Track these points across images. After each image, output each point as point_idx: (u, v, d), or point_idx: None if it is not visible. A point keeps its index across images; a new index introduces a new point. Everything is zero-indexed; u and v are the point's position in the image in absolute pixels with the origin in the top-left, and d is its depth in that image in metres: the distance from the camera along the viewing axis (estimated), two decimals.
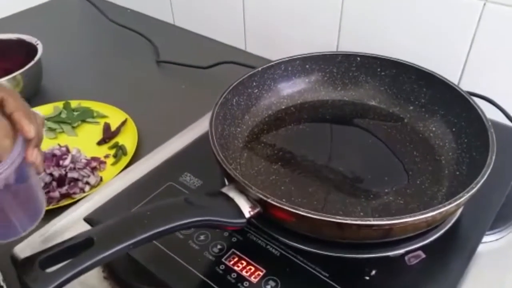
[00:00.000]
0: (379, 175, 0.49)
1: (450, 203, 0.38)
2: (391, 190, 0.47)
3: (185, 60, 0.87)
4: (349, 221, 0.37)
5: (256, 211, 0.40)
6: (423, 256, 0.42)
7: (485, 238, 0.48)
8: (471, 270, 0.45)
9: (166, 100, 0.79)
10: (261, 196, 0.39)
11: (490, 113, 0.53)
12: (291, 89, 0.60)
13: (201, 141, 0.57)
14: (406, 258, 0.42)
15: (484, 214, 0.46)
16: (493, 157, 0.42)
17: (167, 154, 0.57)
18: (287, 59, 0.59)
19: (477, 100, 0.56)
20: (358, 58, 0.59)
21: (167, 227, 0.34)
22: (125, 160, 0.65)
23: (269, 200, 0.39)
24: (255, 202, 0.40)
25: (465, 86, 0.64)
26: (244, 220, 0.39)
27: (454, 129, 0.52)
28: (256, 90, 0.58)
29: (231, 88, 0.54)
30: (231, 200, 0.40)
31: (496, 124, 0.53)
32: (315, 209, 0.44)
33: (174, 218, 0.35)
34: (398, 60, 0.57)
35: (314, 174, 0.49)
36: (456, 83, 0.65)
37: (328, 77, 0.61)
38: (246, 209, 0.40)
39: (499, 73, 0.61)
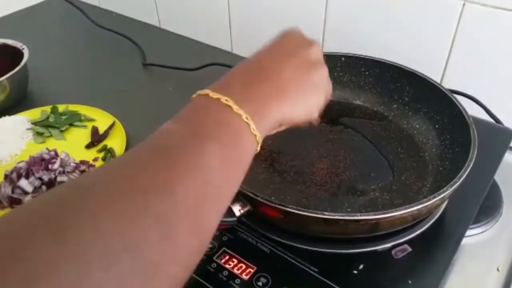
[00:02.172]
0: (365, 172, 0.50)
1: (434, 197, 0.39)
2: (377, 186, 0.48)
3: (171, 63, 0.87)
4: (336, 216, 0.38)
5: (246, 209, 0.41)
6: (410, 249, 0.43)
7: (470, 232, 0.49)
8: (456, 263, 0.47)
9: (153, 103, 0.80)
10: (250, 194, 0.40)
11: (472, 110, 0.55)
12: None
13: None
14: (393, 252, 0.43)
15: (467, 207, 0.48)
16: (475, 152, 0.43)
17: None
18: None
19: (459, 98, 0.58)
20: (343, 59, 0.60)
21: None
22: None
23: (258, 198, 0.39)
24: (245, 200, 0.41)
25: (448, 84, 0.66)
26: (234, 219, 0.40)
27: (437, 126, 0.53)
28: None
29: None
30: None
31: (478, 121, 0.55)
32: (304, 207, 0.46)
33: None
34: (381, 60, 0.58)
35: (302, 173, 0.50)
36: (438, 81, 0.67)
37: None
38: (237, 208, 0.41)
39: (480, 71, 0.62)
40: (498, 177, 0.54)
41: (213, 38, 0.95)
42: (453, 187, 0.40)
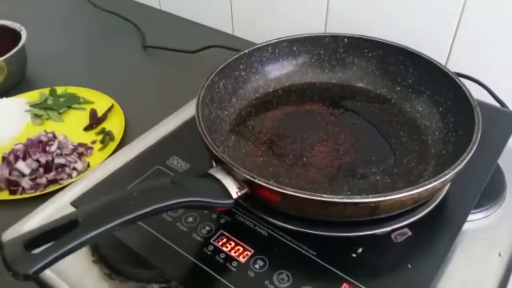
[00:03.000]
0: (366, 155, 0.49)
1: (436, 180, 0.38)
2: (378, 170, 0.48)
3: (171, 45, 0.86)
4: (335, 199, 0.37)
5: (243, 191, 0.40)
6: (410, 233, 0.42)
7: (472, 216, 0.48)
8: (457, 248, 0.46)
9: (153, 85, 0.79)
10: (248, 176, 0.39)
11: (477, 93, 0.53)
12: (278, 71, 0.60)
13: (189, 125, 0.57)
14: (392, 235, 0.42)
15: (470, 192, 0.47)
16: (479, 135, 0.42)
17: (154, 139, 0.57)
18: (274, 41, 0.58)
19: (464, 81, 0.57)
20: (345, 39, 0.59)
21: (152, 207, 0.34)
22: (112, 145, 0.64)
23: (256, 180, 0.39)
24: (242, 183, 0.40)
25: (452, 67, 0.65)
26: (231, 201, 0.39)
27: (440, 109, 0.52)
28: (243, 73, 0.58)
29: (218, 70, 0.53)
30: (218, 181, 0.40)
31: (482, 104, 0.53)
32: (302, 189, 0.45)
33: (160, 199, 0.34)
34: (385, 41, 0.57)
35: (301, 156, 0.49)
36: (443, 64, 0.66)
37: (316, 59, 0.60)
38: (234, 190, 0.40)
39: (486, 53, 0.61)
40: (502, 162, 0.53)
41: (214, 20, 0.93)
42: (455, 170, 0.39)
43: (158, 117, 0.64)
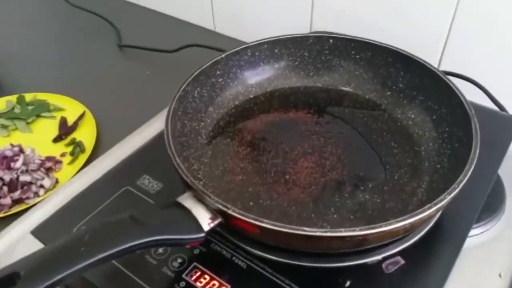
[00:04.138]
0: (354, 171, 0.45)
1: (430, 208, 0.34)
2: (367, 187, 0.43)
3: (150, 44, 0.81)
4: (318, 233, 0.33)
5: (216, 222, 0.36)
6: (402, 262, 0.38)
7: (469, 232, 0.45)
8: (453, 268, 0.42)
9: (129, 89, 0.74)
10: (220, 206, 0.35)
11: (474, 96, 0.49)
12: (259, 76, 0.55)
13: (161, 137, 0.52)
14: (383, 265, 0.38)
15: (467, 209, 0.43)
16: (477, 152, 0.38)
17: (127, 152, 0.53)
18: (253, 43, 0.54)
19: (460, 82, 0.52)
20: (331, 40, 0.54)
21: (107, 253, 0.29)
22: (82, 158, 0.60)
23: (229, 212, 0.34)
24: (215, 212, 0.36)
25: (446, 66, 0.61)
26: (202, 235, 0.35)
27: (434, 117, 0.48)
28: (221, 79, 0.53)
29: (191, 79, 0.49)
30: (187, 211, 0.36)
31: (479, 108, 0.49)
32: (284, 214, 0.41)
33: (116, 243, 0.30)
34: (373, 42, 0.52)
35: (284, 173, 0.45)
36: (436, 62, 0.61)
37: (299, 62, 0.56)
38: (205, 221, 0.36)
39: (483, 52, 0.56)
40: (501, 170, 0.49)
41: (194, 16, 0.88)
42: (452, 195, 0.35)
43: (133, 124, 0.60)
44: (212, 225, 0.36)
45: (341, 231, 0.32)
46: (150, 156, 0.50)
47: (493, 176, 0.46)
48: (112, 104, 0.70)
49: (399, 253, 0.39)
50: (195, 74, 0.49)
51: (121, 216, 0.33)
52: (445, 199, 0.35)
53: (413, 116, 0.50)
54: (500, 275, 0.43)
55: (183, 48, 0.77)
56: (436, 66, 0.62)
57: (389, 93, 0.53)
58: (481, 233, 0.47)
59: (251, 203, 0.42)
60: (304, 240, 0.34)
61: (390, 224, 0.33)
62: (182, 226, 0.34)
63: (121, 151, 0.53)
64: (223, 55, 0.52)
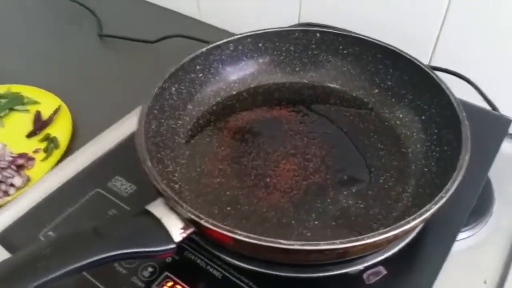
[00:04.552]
0: (338, 174, 0.43)
1: (415, 218, 0.32)
2: (351, 192, 0.41)
3: (131, 33, 0.77)
4: (296, 246, 0.30)
5: (189, 232, 0.34)
6: (384, 272, 0.36)
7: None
8: (439, 276, 0.41)
9: (108, 81, 0.71)
10: (192, 216, 0.32)
11: (464, 93, 0.47)
12: (242, 71, 0.53)
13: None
14: (364, 276, 0.36)
15: (454, 215, 0.41)
16: (466, 158, 0.36)
17: (100, 150, 0.50)
18: (236, 37, 0.51)
19: (452, 79, 0.50)
20: (318, 34, 0.52)
21: (68, 268, 0.27)
22: (56, 154, 0.57)
23: (202, 222, 0.32)
24: (186, 221, 0.34)
25: (438, 62, 0.58)
26: (172, 246, 0.33)
27: (423, 117, 0.46)
28: (201, 75, 0.50)
29: (168, 75, 0.46)
30: (157, 220, 0.33)
31: (470, 106, 0.48)
32: (265, 219, 0.39)
33: (78, 257, 0.28)
34: (362, 37, 0.50)
35: (264, 176, 0.43)
36: (427, 59, 0.59)
37: (285, 57, 0.53)
38: (177, 231, 0.33)
39: (475, 49, 0.54)
40: (490, 171, 0.47)
41: (178, 4, 0.85)
42: (438, 205, 0.33)
43: (110, 119, 0.57)
44: (184, 235, 0.33)
45: (319, 244, 0.30)
46: (124, 156, 0.48)
47: (483, 179, 0.44)
48: (89, 97, 0.67)
49: (381, 262, 0.37)
50: (172, 70, 0.47)
51: (84, 228, 0.30)
52: (431, 209, 0.33)
53: (401, 115, 0.48)
54: (485, 282, 0.42)
55: (165, 39, 0.74)
56: (427, 61, 0.60)
57: (376, 90, 0.50)
58: (468, 237, 0.45)
59: (228, 208, 0.40)
60: (281, 253, 0.32)
61: (372, 237, 0.31)
62: (150, 237, 0.32)
63: (95, 149, 0.51)
64: (204, 49, 0.49)
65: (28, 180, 0.54)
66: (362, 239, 0.31)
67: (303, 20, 0.69)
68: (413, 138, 0.46)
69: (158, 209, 0.34)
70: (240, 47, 0.52)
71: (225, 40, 0.51)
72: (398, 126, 0.47)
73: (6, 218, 0.43)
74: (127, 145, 0.49)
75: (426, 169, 0.42)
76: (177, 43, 0.73)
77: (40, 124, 0.61)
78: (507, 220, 0.46)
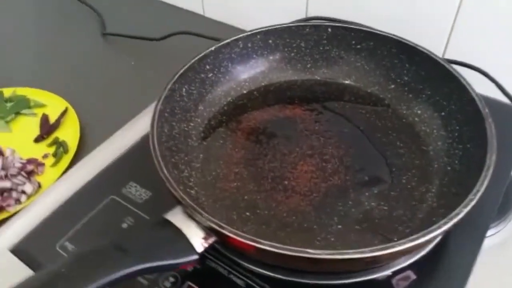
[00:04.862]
0: (358, 174, 0.42)
1: (446, 223, 0.31)
2: (372, 193, 0.40)
3: (135, 31, 0.76)
4: (323, 255, 0.29)
5: (211, 241, 0.33)
6: (414, 277, 0.35)
7: None
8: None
9: (114, 81, 0.69)
10: (213, 225, 0.31)
11: (480, 87, 0.46)
12: (252, 69, 0.51)
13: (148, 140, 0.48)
14: (393, 281, 0.35)
15: (481, 214, 0.40)
16: (493, 157, 0.35)
17: (112, 154, 0.49)
18: (245, 34, 0.50)
19: (467, 72, 0.49)
20: (329, 29, 0.50)
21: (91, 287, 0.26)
22: (66, 159, 0.56)
23: (223, 231, 0.31)
24: (208, 230, 0.33)
25: (452, 54, 0.57)
26: (195, 257, 0.32)
27: (443, 113, 0.44)
28: (211, 74, 0.49)
29: (178, 76, 0.45)
30: (177, 230, 0.32)
31: (488, 101, 0.46)
32: (285, 224, 0.38)
33: (100, 275, 0.27)
34: (375, 31, 0.49)
35: (282, 178, 0.42)
36: (441, 52, 0.58)
37: (296, 53, 0.52)
38: (198, 241, 0.32)
39: (491, 41, 0.53)
40: None
41: (182, 0, 0.83)
42: (469, 207, 0.32)
43: (119, 120, 0.56)
44: (206, 245, 0.32)
45: (348, 253, 0.29)
46: (137, 161, 0.46)
47: (507, 176, 0.43)
48: (96, 98, 0.66)
49: (410, 266, 0.36)
50: (182, 70, 0.45)
51: (103, 245, 0.29)
52: (462, 212, 0.32)
53: (419, 112, 0.47)
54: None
55: (171, 36, 0.73)
56: (441, 55, 0.58)
57: (392, 86, 0.49)
58: (493, 235, 0.44)
59: (247, 213, 0.39)
60: (308, 262, 0.31)
61: (403, 244, 0.30)
62: (172, 249, 0.31)
63: (106, 154, 0.49)
64: (213, 48, 0.48)
65: (39, 186, 0.53)
66: (393, 247, 0.30)
67: (310, 15, 0.68)
68: (434, 135, 0.44)
69: (177, 218, 0.33)
70: (249, 45, 0.50)
71: (234, 38, 0.49)
72: (417, 122, 0.46)
73: (19, 228, 0.42)
74: (139, 149, 0.48)
75: (449, 168, 0.41)
76: (183, 40, 0.72)
77: (47, 128, 0.60)
78: None
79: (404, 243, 0.30)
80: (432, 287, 0.35)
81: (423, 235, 0.30)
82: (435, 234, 0.30)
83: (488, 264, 0.41)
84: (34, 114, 0.63)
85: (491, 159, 0.35)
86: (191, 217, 0.33)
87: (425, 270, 0.36)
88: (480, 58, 0.52)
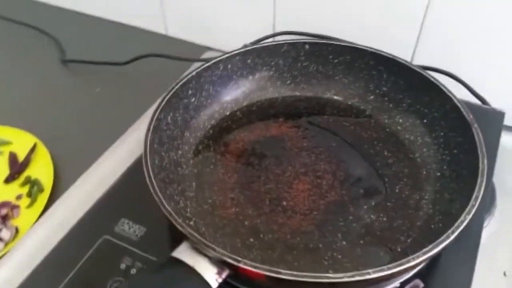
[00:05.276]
0: (353, 188, 0.42)
1: (453, 232, 0.32)
2: (370, 206, 0.41)
3: (97, 56, 0.73)
4: (345, 278, 0.29)
5: (225, 276, 0.32)
6: (422, 285, 0.36)
7: None
8: None
9: (81, 110, 0.66)
10: (229, 260, 0.31)
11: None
12: (233, 90, 0.51)
13: (134, 168, 0.47)
14: None
15: (475, 215, 0.41)
16: (485, 162, 0.36)
17: (95, 189, 0.47)
18: (224, 56, 0.49)
19: (436, 76, 0.51)
20: (307, 46, 0.51)
21: None
22: (42, 198, 0.53)
23: (240, 265, 0.30)
24: (220, 264, 0.32)
25: (420, 61, 0.59)
26: None
27: (425, 121, 0.46)
28: (193, 99, 0.48)
29: (163, 104, 0.44)
30: (190, 269, 0.31)
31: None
32: (291, 247, 0.38)
33: None
34: (352, 45, 0.50)
35: (279, 199, 0.42)
36: (409, 57, 0.60)
37: (274, 71, 0.52)
38: (212, 276, 0.31)
39: (459, 44, 0.55)
40: None
41: (143, 20, 0.81)
42: (471, 214, 0.33)
43: (92, 151, 0.54)
44: (220, 280, 0.32)
45: (369, 273, 0.30)
46: (126, 195, 0.45)
47: (491, 176, 0.45)
48: (64, 130, 0.63)
49: (416, 275, 0.37)
50: (167, 97, 0.44)
51: None
52: (466, 220, 0.33)
53: (401, 121, 0.48)
54: (504, 274, 0.43)
55: (137, 60, 0.71)
56: (409, 60, 0.60)
57: (372, 97, 0.50)
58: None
59: (251, 239, 0.39)
60: (327, 285, 0.31)
61: (417, 257, 0.30)
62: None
63: (87, 189, 0.48)
64: (194, 73, 0.47)
65: (16, 231, 0.50)
66: (408, 262, 0.30)
67: (278, 30, 0.68)
68: (419, 143, 0.46)
69: (186, 255, 0.32)
70: (229, 66, 0.50)
71: (214, 61, 0.49)
72: (400, 131, 0.48)
73: (2, 283, 0.39)
74: (126, 182, 0.46)
75: (438, 173, 0.42)
76: (149, 62, 0.70)
77: (17, 167, 0.56)
78: (510, 211, 0.48)
79: (418, 256, 0.30)
80: None
81: (436, 246, 0.31)
82: (446, 243, 0.31)
83: (481, 260, 0.42)
84: (0, 153, 0.59)
85: (484, 163, 0.36)
86: (201, 252, 0.32)
87: (431, 276, 0.37)
88: (448, 62, 0.54)
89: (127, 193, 0.45)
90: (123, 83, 0.71)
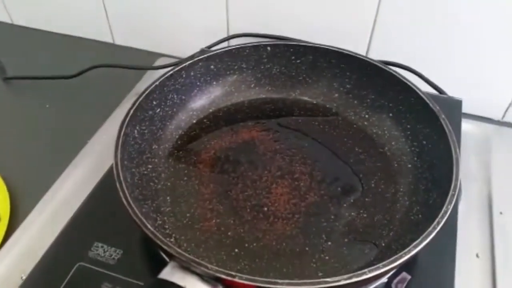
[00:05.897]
0: (331, 187, 0.43)
1: (438, 223, 0.33)
2: (349, 203, 0.41)
3: (42, 71, 0.69)
4: (343, 281, 0.29)
5: None
6: (409, 277, 0.37)
7: None
8: None
9: (32, 129, 0.62)
10: (223, 276, 0.30)
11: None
12: (199, 98, 0.50)
13: (100, 187, 0.44)
14: (392, 286, 0.36)
15: None
16: (458, 151, 0.38)
17: (59, 213, 0.44)
18: (186, 64, 0.48)
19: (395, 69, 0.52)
20: (268, 48, 0.50)
21: None
22: (0, 228, 0.49)
23: (235, 279, 0.29)
24: (212, 281, 0.31)
25: (374, 54, 0.60)
26: None
27: (390, 115, 0.47)
28: (158, 110, 0.46)
29: (128, 118, 0.42)
30: None
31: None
32: (277, 253, 0.37)
33: None
34: (313, 45, 0.50)
35: (260, 206, 0.41)
36: (364, 52, 0.61)
37: (238, 75, 0.51)
38: None
39: (411, 37, 0.57)
40: None
41: (88, 29, 0.77)
42: (452, 203, 0.34)
43: (49, 173, 0.51)
44: None
45: (365, 273, 0.30)
46: (94, 216, 0.42)
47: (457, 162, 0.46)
48: (16, 153, 0.58)
49: (402, 268, 0.37)
50: (132, 110, 0.42)
51: None
52: (448, 210, 0.34)
53: (367, 116, 0.49)
54: (477, 256, 0.44)
55: (85, 72, 0.67)
56: (364, 54, 0.61)
57: (336, 95, 0.51)
58: None
59: (236, 250, 0.38)
60: None
61: (409, 252, 0.31)
62: None
63: (50, 215, 0.45)
64: (157, 83, 0.46)
65: None
66: (401, 257, 0.31)
67: (232, 32, 0.67)
68: (386, 136, 0.47)
69: (175, 275, 0.31)
70: (192, 73, 0.49)
71: (176, 69, 0.47)
72: (367, 126, 0.48)
73: None
74: (93, 203, 0.44)
75: (409, 165, 0.44)
76: (98, 72, 0.67)
77: None
78: (475, 195, 0.50)
79: (409, 251, 0.31)
80: (429, 279, 0.37)
81: (425, 238, 0.32)
82: (434, 235, 0.32)
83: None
84: None
85: (457, 152, 0.37)
86: (190, 270, 0.31)
87: (416, 267, 0.38)
88: (402, 55, 0.56)
89: (97, 214, 0.42)
90: (73, 97, 0.67)
